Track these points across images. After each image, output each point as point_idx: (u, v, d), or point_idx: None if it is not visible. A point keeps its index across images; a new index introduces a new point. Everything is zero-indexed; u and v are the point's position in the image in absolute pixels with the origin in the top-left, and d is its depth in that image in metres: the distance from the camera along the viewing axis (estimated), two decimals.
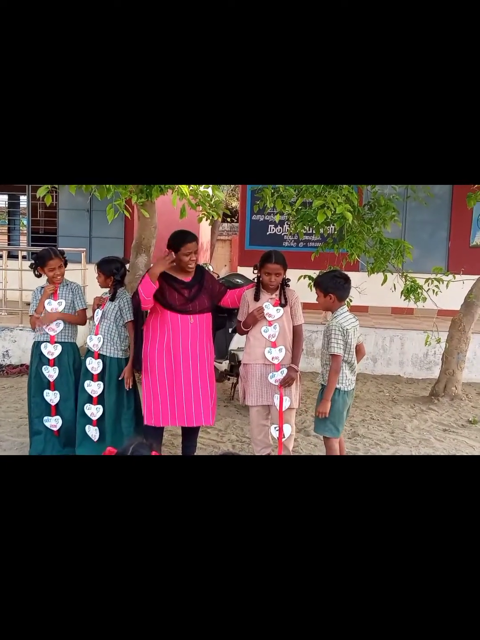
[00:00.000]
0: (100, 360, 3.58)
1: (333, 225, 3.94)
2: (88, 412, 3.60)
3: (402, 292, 4.61)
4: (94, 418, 3.60)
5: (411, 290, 4.46)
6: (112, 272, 3.61)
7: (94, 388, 3.58)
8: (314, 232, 4.81)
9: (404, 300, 4.59)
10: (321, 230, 4.43)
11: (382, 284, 4.57)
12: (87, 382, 3.60)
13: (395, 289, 4.86)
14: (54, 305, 3.73)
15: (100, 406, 3.60)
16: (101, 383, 3.59)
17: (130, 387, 3.58)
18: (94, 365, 3.57)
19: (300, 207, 4.04)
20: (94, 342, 3.59)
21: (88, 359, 3.61)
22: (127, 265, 3.87)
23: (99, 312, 3.62)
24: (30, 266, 3.74)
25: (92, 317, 3.70)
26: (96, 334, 3.60)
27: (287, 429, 3.40)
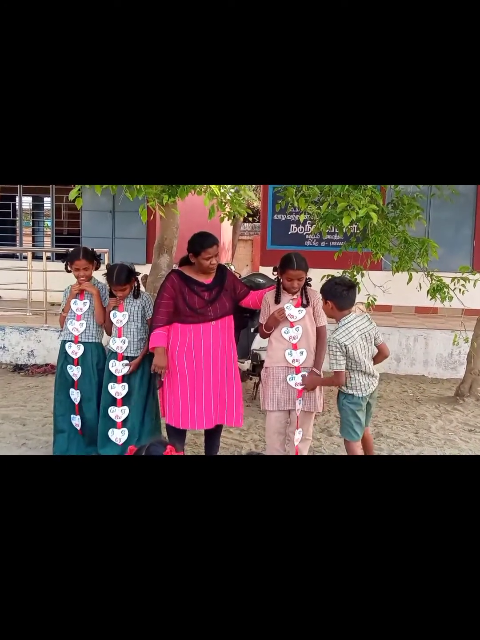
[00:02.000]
0: (124, 362, 3.57)
1: (356, 224, 3.91)
2: (112, 415, 3.59)
3: (428, 291, 4.54)
4: (119, 420, 3.59)
5: (437, 290, 4.40)
6: (134, 274, 3.61)
7: (117, 390, 3.58)
8: (337, 231, 4.78)
9: (430, 299, 4.53)
10: (344, 229, 4.40)
11: (407, 283, 4.52)
12: (111, 384, 3.59)
13: (421, 288, 4.80)
14: (79, 305, 3.76)
15: (125, 408, 3.59)
16: (126, 385, 3.58)
17: (153, 385, 3.58)
18: (117, 368, 3.56)
19: (326, 209, 4.01)
20: (118, 345, 3.57)
21: (111, 361, 3.60)
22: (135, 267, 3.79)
23: (115, 314, 3.58)
24: (63, 260, 3.78)
25: (107, 319, 3.64)
26: (119, 337, 3.58)
27: (298, 434, 3.33)
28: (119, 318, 3.59)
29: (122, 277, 3.52)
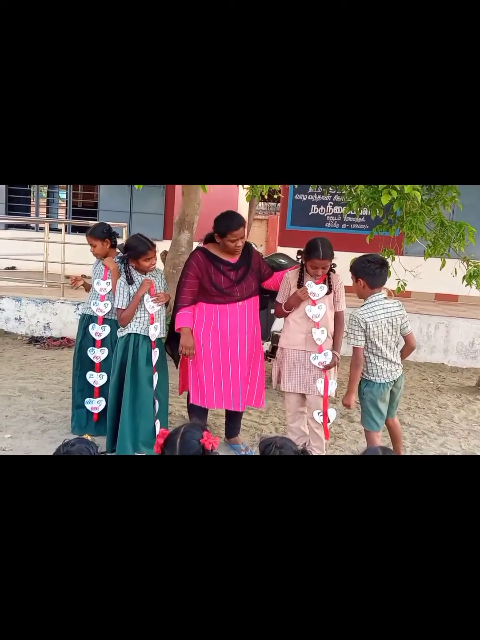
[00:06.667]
0: (156, 350, 3.39)
1: (390, 206, 3.77)
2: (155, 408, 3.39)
3: (464, 277, 4.42)
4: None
5: (474, 276, 4.27)
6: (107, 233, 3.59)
7: (154, 379, 3.39)
8: (358, 213, 4.65)
9: (466, 285, 4.40)
10: (376, 212, 4.26)
11: (440, 268, 4.39)
12: (153, 377, 3.37)
13: (456, 273, 4.67)
14: (102, 285, 3.66)
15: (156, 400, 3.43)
16: (157, 373, 3.40)
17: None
18: (152, 357, 3.38)
19: (362, 188, 3.87)
20: (152, 332, 3.35)
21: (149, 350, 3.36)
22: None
23: (148, 298, 3.33)
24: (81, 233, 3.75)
25: (133, 305, 3.33)
26: (152, 323, 3.35)
27: (332, 414, 3.31)
28: (151, 304, 3.35)
29: (148, 241, 3.33)
